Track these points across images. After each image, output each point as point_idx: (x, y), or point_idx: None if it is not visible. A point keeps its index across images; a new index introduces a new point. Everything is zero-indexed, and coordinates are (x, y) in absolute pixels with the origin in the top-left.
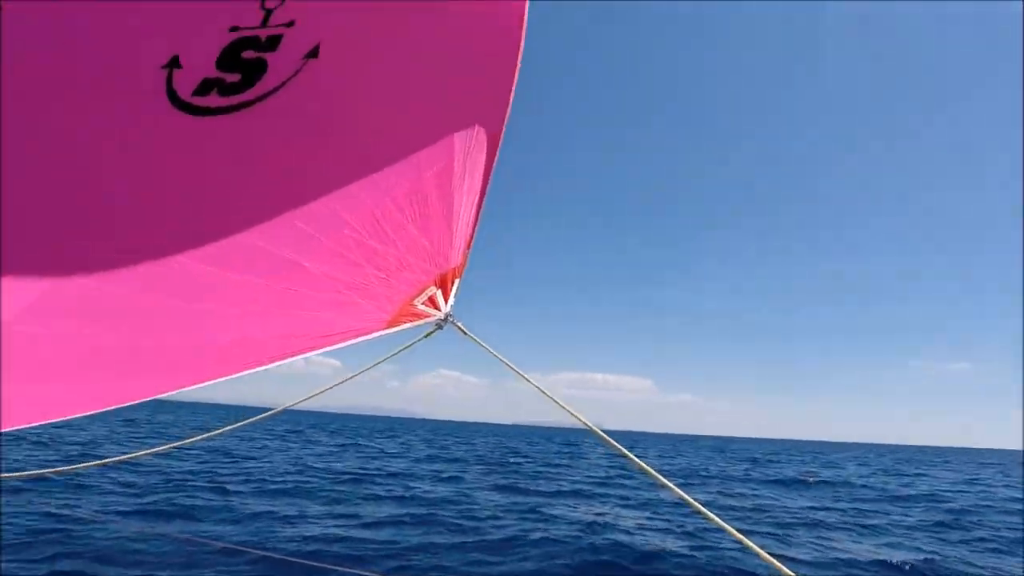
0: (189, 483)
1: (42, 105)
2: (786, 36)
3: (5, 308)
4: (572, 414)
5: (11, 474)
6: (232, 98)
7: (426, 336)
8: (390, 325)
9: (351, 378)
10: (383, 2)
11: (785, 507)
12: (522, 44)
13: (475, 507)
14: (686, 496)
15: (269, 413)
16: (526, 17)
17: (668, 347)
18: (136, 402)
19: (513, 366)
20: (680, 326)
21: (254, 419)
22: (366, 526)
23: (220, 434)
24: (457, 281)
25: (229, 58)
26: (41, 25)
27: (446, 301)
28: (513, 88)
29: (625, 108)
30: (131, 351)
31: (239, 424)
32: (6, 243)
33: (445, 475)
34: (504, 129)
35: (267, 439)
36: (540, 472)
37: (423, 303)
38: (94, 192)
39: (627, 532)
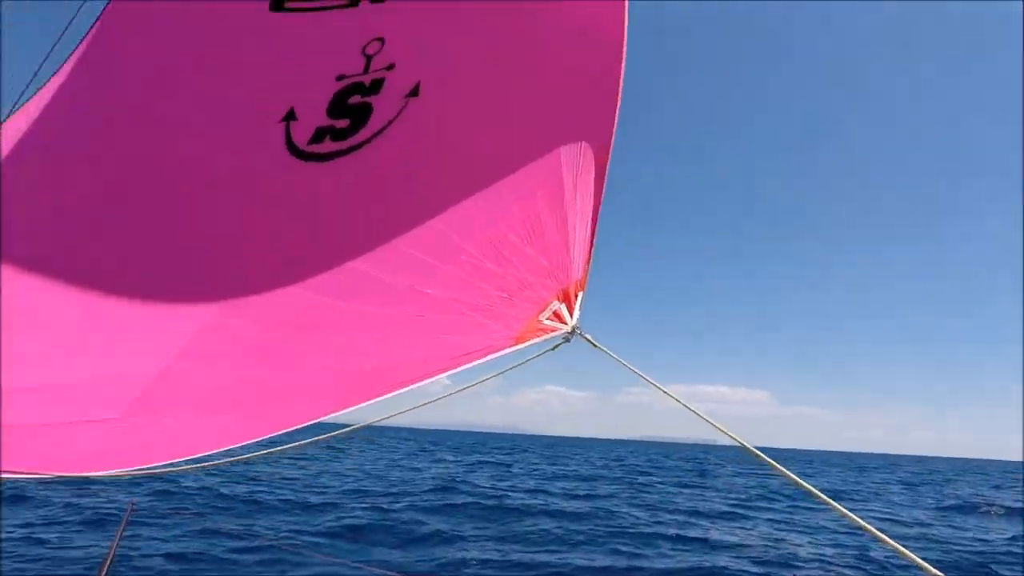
0: (348, 504)
1: (180, 168)
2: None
3: (166, 350)
4: (721, 430)
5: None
6: (343, 143)
7: (554, 348)
8: (518, 341)
9: (464, 389)
10: (479, 39)
11: (981, 539)
12: (623, 57)
13: (625, 527)
14: (867, 526)
15: (362, 424)
16: (626, 32)
17: (787, 357)
18: (283, 431)
19: (649, 378)
20: (800, 333)
21: (353, 428)
22: (527, 550)
23: (316, 441)
24: (581, 294)
25: (337, 105)
26: (183, 88)
27: (571, 314)
28: (616, 108)
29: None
30: (275, 384)
31: (336, 433)
32: (157, 291)
33: (580, 493)
34: (611, 146)
35: (397, 456)
36: (673, 491)
37: (548, 318)
38: (230, 239)
39: (806, 562)
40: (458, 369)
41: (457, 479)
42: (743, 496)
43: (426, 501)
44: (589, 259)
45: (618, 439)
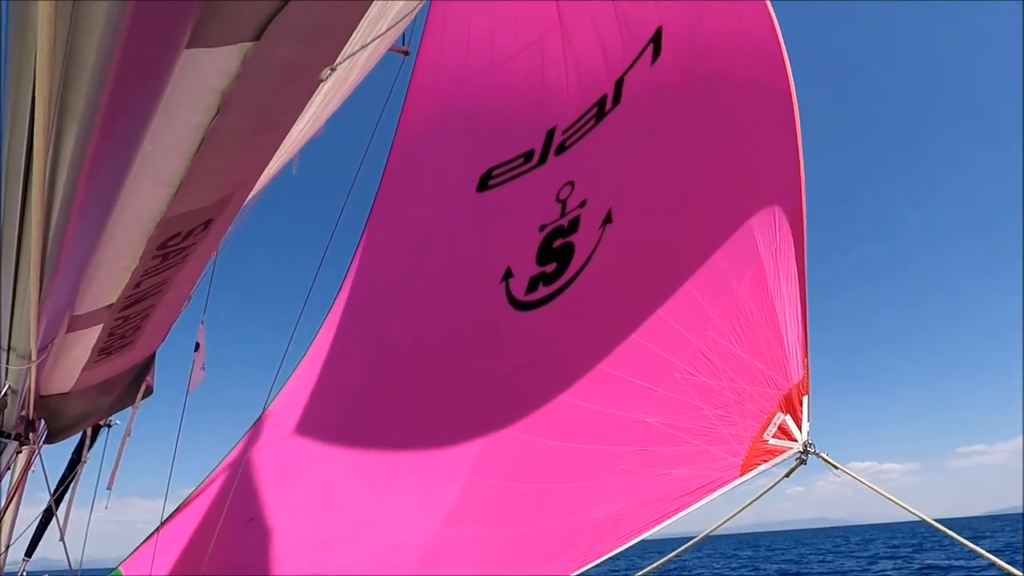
0: None
1: (429, 341)
2: None
3: (434, 517)
4: None
5: None
6: (554, 285)
7: (788, 474)
8: (744, 471)
9: (755, 500)
10: (656, 149)
11: None
12: (796, 114)
13: None
14: None
15: (697, 539)
16: (792, 83)
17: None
18: None
19: (901, 502)
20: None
21: (687, 546)
22: None
23: (665, 562)
24: (806, 399)
25: (544, 252)
26: (421, 276)
27: (799, 426)
28: (800, 161)
29: None
30: (522, 538)
31: (680, 551)
32: (422, 459)
33: None
34: (804, 207)
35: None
36: None
37: (774, 435)
38: (470, 399)
39: None
40: (690, 509)
41: None
42: None
43: None
44: (807, 353)
45: (971, 515)
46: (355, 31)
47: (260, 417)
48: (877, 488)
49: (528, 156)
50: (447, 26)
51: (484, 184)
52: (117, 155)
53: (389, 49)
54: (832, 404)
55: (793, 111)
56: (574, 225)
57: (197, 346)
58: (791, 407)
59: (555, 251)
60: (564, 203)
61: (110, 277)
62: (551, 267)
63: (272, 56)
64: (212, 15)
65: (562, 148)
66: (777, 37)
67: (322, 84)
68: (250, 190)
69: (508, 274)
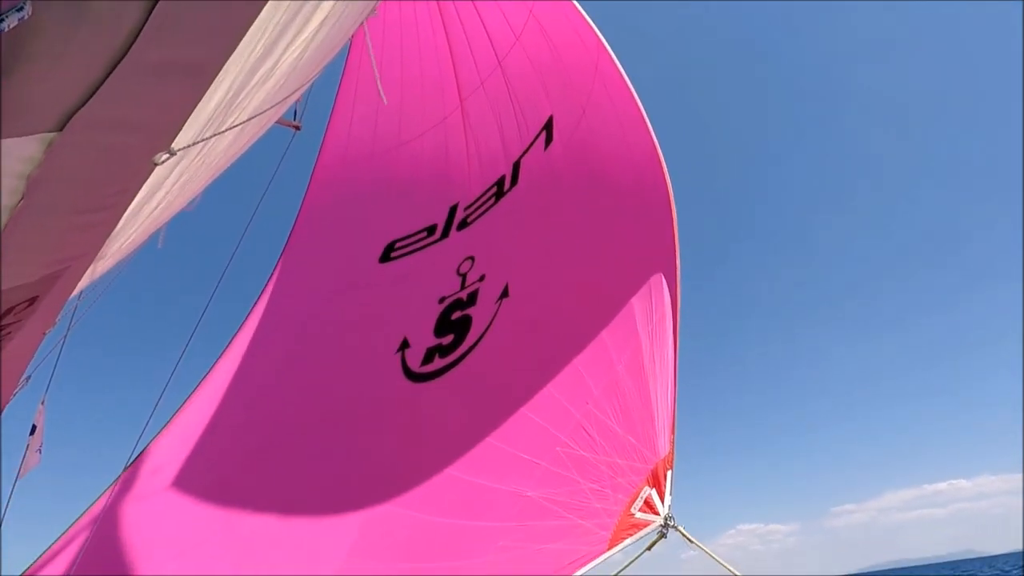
0: None
1: (324, 409)
2: None
3: (334, 558)
4: None
5: None
6: (450, 357)
7: (649, 548)
8: (612, 544)
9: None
10: (549, 230)
11: None
12: (674, 215)
13: None
14: None
15: None
16: (669, 185)
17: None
18: None
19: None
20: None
21: None
22: None
23: None
24: (670, 473)
25: (442, 324)
26: (320, 342)
27: (663, 500)
28: (676, 253)
29: None
30: None
31: None
32: (303, 531)
33: None
34: (679, 290)
35: None
36: None
37: (640, 509)
38: (362, 465)
39: None
40: None
41: None
42: None
43: None
44: (674, 430)
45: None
46: (202, 117)
47: (125, 475)
48: (727, 564)
49: (431, 230)
50: (356, 105)
51: (387, 256)
52: None
53: (279, 123)
54: (724, 468)
55: (670, 211)
56: (472, 298)
57: (33, 429)
58: (657, 481)
59: (453, 323)
60: (464, 277)
61: None
62: (448, 339)
63: (81, 143)
64: None
65: (464, 224)
66: (654, 144)
67: (159, 167)
68: (86, 266)
69: (404, 344)
